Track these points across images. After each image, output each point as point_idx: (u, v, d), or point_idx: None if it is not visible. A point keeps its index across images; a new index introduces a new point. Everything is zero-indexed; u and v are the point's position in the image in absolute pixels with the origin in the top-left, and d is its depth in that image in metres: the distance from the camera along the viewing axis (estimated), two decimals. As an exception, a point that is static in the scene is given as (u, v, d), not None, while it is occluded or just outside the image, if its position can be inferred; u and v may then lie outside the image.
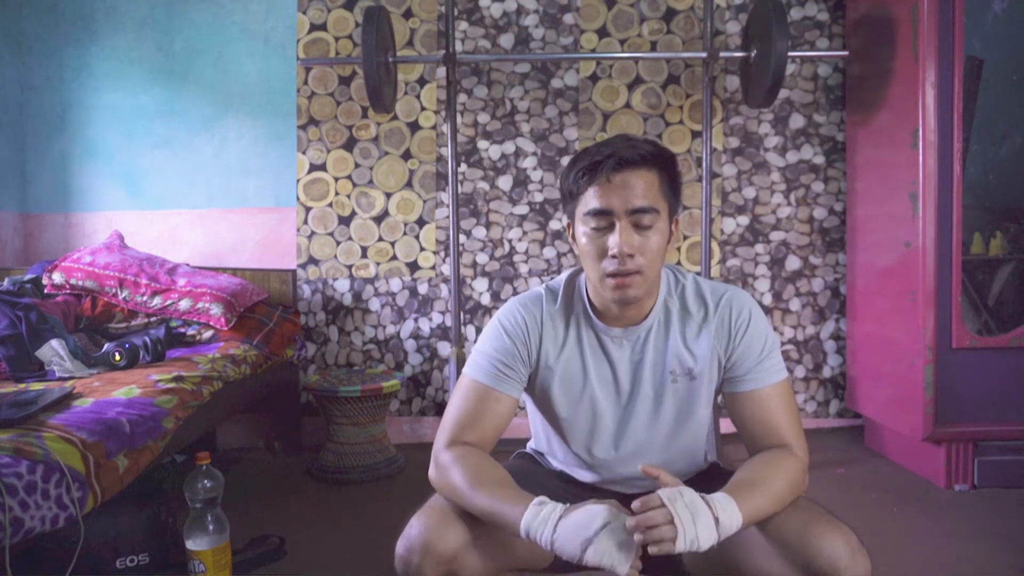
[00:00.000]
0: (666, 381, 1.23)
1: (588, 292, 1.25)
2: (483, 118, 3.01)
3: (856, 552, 1.04)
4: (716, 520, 0.99)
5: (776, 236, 3.04)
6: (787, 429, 1.18)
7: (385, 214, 3.03)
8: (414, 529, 1.11)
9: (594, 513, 0.99)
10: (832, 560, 1.02)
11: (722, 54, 2.68)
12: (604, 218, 1.14)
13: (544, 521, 1.01)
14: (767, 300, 3.04)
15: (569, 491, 1.30)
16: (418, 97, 3.01)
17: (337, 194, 3.03)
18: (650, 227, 1.14)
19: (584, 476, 1.32)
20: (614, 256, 1.13)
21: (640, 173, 1.14)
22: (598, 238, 1.15)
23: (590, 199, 1.15)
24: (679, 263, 3.04)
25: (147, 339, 2.15)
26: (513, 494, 1.08)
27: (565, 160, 2.98)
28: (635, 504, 0.99)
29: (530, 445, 1.43)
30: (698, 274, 1.40)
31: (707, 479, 1.30)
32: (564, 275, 1.32)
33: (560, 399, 1.26)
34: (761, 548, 1.07)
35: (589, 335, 1.25)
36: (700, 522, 0.97)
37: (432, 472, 1.18)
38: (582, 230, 1.17)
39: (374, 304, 3.05)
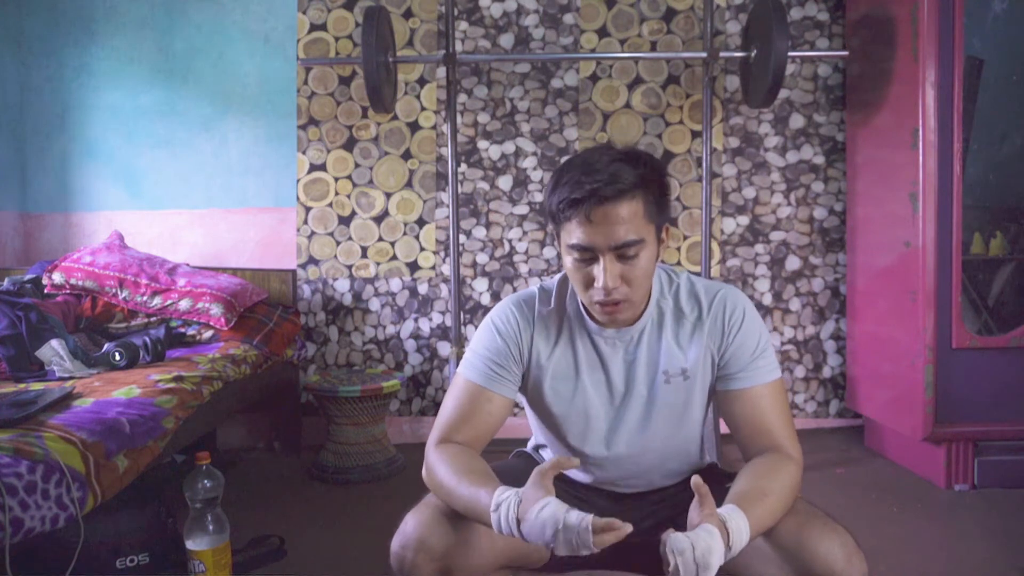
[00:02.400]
0: (659, 381, 1.23)
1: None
2: (483, 118, 3.01)
3: (853, 555, 1.03)
4: (728, 550, 0.96)
5: (776, 236, 3.04)
6: (780, 429, 1.18)
7: (385, 214, 3.03)
8: (408, 526, 1.11)
9: (543, 524, 0.95)
10: (829, 563, 1.02)
11: (722, 54, 2.68)
12: (587, 252, 1.12)
13: (508, 521, 0.99)
14: (767, 300, 3.04)
15: (565, 491, 1.30)
16: (418, 97, 3.01)
17: (337, 194, 3.03)
18: (635, 256, 1.12)
19: (579, 476, 1.32)
20: (600, 287, 1.12)
21: (623, 204, 1.09)
22: (583, 268, 1.14)
23: (573, 232, 1.12)
24: (679, 263, 3.04)
25: (147, 339, 2.15)
26: (487, 487, 1.06)
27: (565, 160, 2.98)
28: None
29: (530, 444, 1.43)
30: (697, 274, 1.39)
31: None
32: (558, 276, 1.31)
33: (552, 399, 1.26)
34: (758, 551, 1.07)
35: (582, 336, 1.25)
36: (709, 570, 0.93)
37: (424, 471, 1.19)
38: (568, 259, 1.16)
39: (374, 304, 3.05)
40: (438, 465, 1.14)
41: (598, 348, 1.24)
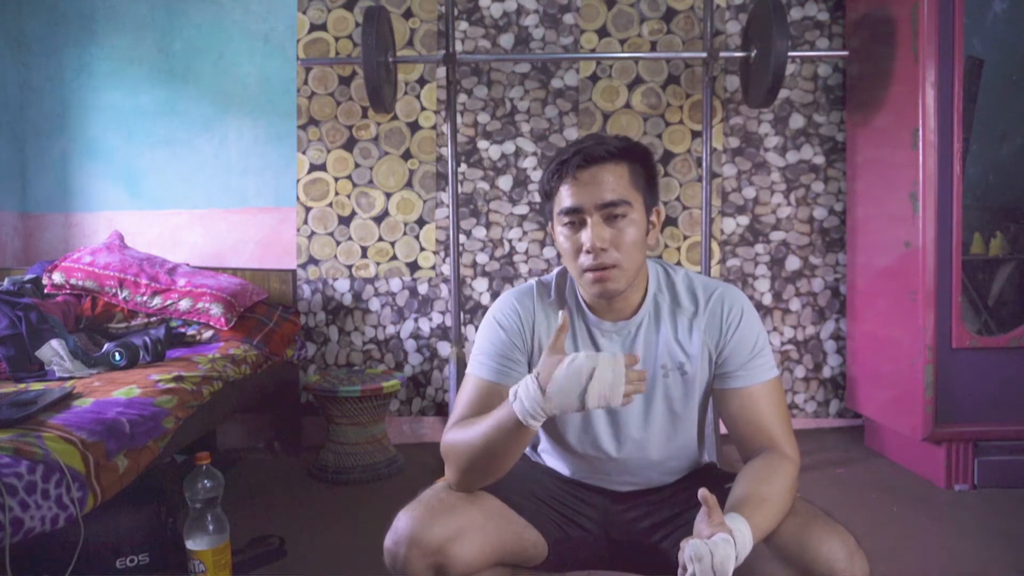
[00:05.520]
0: (657, 376, 1.23)
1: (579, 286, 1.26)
2: (483, 118, 3.01)
3: (854, 554, 1.03)
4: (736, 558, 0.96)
5: (776, 236, 3.04)
6: (777, 428, 1.18)
7: (385, 214, 3.03)
8: (401, 522, 1.12)
9: (579, 370, 1.01)
10: (830, 562, 1.02)
11: (722, 54, 2.68)
12: (576, 215, 1.16)
13: (532, 399, 1.04)
14: (767, 300, 3.04)
15: (561, 488, 1.31)
16: (418, 97, 3.01)
17: (337, 194, 3.03)
18: (623, 219, 1.15)
19: (576, 472, 1.32)
20: (588, 251, 1.15)
21: (608, 168, 1.16)
22: (573, 235, 1.17)
23: (563, 198, 1.18)
24: (679, 263, 3.04)
25: (147, 339, 2.15)
26: (497, 409, 1.11)
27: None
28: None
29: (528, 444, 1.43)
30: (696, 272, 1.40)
31: (703, 480, 1.30)
32: (556, 270, 1.33)
33: None
34: (759, 552, 1.07)
35: (581, 329, 1.26)
36: None
37: (443, 450, 1.18)
38: (559, 229, 1.20)
39: (374, 304, 3.05)
40: (455, 434, 1.16)
41: (596, 341, 1.25)
